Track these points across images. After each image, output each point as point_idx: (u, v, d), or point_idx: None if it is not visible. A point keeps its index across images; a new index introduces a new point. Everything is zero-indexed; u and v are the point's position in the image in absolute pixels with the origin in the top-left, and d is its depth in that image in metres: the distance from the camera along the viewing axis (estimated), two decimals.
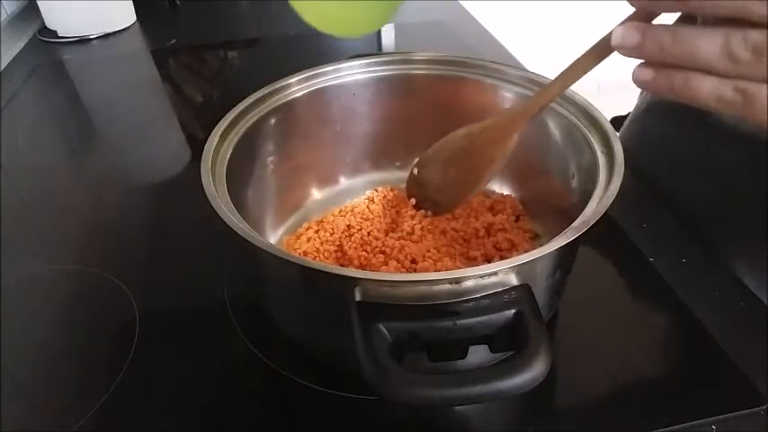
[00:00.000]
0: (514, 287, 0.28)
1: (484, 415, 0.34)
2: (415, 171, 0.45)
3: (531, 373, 0.25)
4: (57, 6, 0.88)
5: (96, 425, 0.34)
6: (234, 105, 0.41)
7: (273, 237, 0.45)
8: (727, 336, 0.38)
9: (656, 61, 0.25)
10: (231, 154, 0.38)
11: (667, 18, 0.26)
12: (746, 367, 0.36)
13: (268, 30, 0.92)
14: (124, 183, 0.59)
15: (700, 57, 0.23)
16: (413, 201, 0.46)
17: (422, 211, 0.45)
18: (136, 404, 0.36)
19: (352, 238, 0.43)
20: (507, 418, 0.35)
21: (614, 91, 0.92)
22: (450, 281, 0.28)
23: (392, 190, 0.49)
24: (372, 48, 0.82)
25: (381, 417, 0.35)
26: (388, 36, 0.85)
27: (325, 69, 0.46)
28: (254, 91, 0.43)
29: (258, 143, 0.43)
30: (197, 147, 0.45)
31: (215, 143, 0.38)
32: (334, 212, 0.46)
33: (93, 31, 0.90)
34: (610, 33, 0.26)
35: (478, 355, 0.29)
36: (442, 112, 0.47)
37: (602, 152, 0.36)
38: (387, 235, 0.43)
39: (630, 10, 0.26)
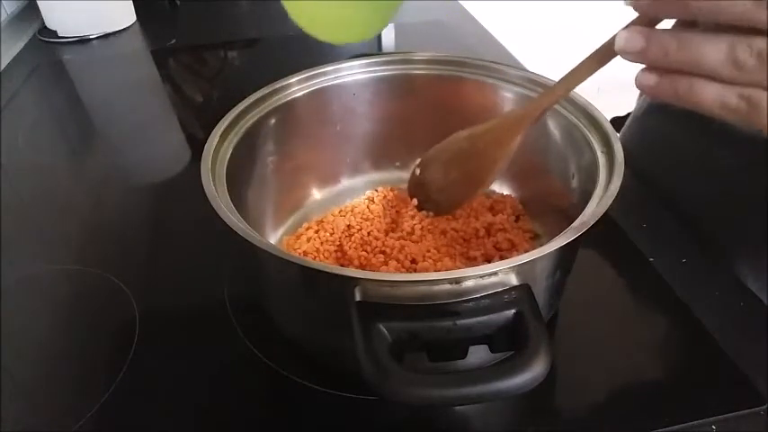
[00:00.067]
0: (514, 287, 0.28)
1: (484, 415, 0.34)
2: (417, 172, 0.46)
3: (531, 373, 0.25)
4: (57, 6, 0.88)
5: (96, 425, 0.34)
6: (234, 105, 0.41)
7: (273, 237, 0.45)
8: (727, 336, 0.38)
9: (660, 66, 0.25)
10: (231, 154, 0.38)
11: (665, 22, 0.26)
12: (746, 367, 0.36)
13: (268, 30, 0.92)
14: (124, 183, 0.59)
15: (704, 63, 0.23)
16: (415, 201, 0.46)
17: (422, 212, 0.45)
18: (136, 404, 0.36)
19: (353, 238, 0.43)
20: (507, 418, 0.35)
21: (614, 91, 0.92)
22: (451, 281, 0.28)
23: (392, 190, 0.49)
24: (372, 48, 0.82)
25: (381, 417, 0.35)
26: (388, 36, 0.85)
27: (325, 69, 0.46)
28: (254, 91, 0.43)
29: (258, 143, 0.43)
30: (197, 147, 0.45)
31: (215, 143, 0.38)
32: (334, 212, 0.46)
33: (93, 31, 0.90)
34: (613, 37, 0.26)
35: (478, 355, 0.29)
36: (443, 113, 0.47)
37: (602, 152, 0.36)
38: (387, 235, 0.43)
39: (630, 11, 0.26)
